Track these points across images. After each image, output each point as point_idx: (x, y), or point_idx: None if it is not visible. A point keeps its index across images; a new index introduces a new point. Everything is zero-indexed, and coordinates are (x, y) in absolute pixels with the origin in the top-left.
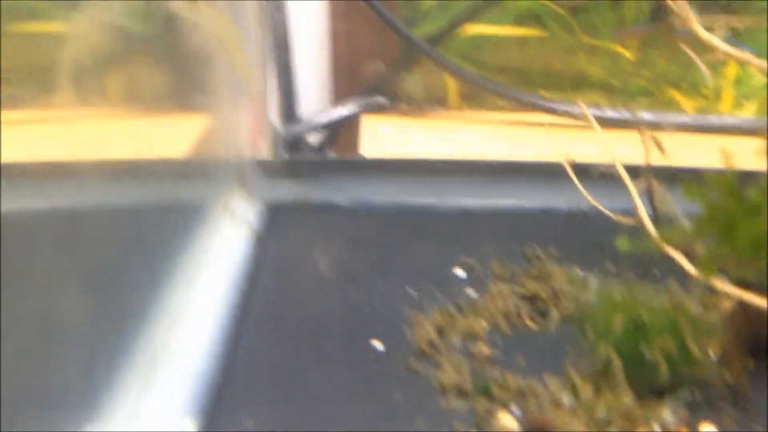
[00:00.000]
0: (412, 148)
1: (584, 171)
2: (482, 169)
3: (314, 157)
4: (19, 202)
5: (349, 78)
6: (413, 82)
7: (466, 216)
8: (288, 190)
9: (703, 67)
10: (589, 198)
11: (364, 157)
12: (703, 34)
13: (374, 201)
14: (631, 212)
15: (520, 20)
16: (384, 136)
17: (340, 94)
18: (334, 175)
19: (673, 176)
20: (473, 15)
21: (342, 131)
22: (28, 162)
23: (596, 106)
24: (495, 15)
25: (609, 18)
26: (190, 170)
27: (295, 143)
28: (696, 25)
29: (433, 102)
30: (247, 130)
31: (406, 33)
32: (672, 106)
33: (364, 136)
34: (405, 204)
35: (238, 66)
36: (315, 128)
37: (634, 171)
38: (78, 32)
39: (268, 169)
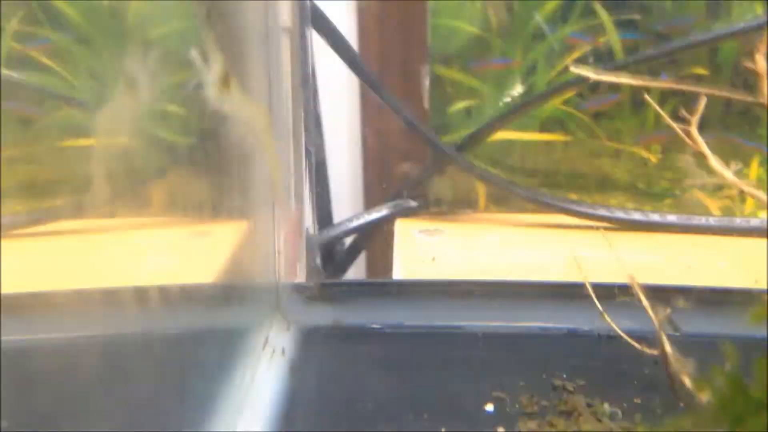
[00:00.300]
0: (442, 253)
1: (608, 291)
2: (509, 291)
3: (347, 262)
4: (43, 332)
5: (380, 179)
6: (443, 186)
7: (494, 339)
8: (321, 314)
9: (726, 173)
10: (612, 325)
11: (395, 280)
12: (716, 167)
13: (405, 324)
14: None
15: (545, 126)
16: (415, 241)
17: (371, 196)
18: (366, 298)
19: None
20: (500, 123)
21: (375, 235)
22: (58, 291)
23: (623, 209)
24: (521, 121)
25: (631, 123)
26: (227, 295)
27: (329, 249)
28: (711, 159)
29: (463, 204)
30: (282, 240)
31: (434, 140)
32: (697, 206)
33: (396, 240)
34: (434, 327)
35: (268, 160)
36: (349, 233)
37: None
38: (108, 143)
39: (302, 292)
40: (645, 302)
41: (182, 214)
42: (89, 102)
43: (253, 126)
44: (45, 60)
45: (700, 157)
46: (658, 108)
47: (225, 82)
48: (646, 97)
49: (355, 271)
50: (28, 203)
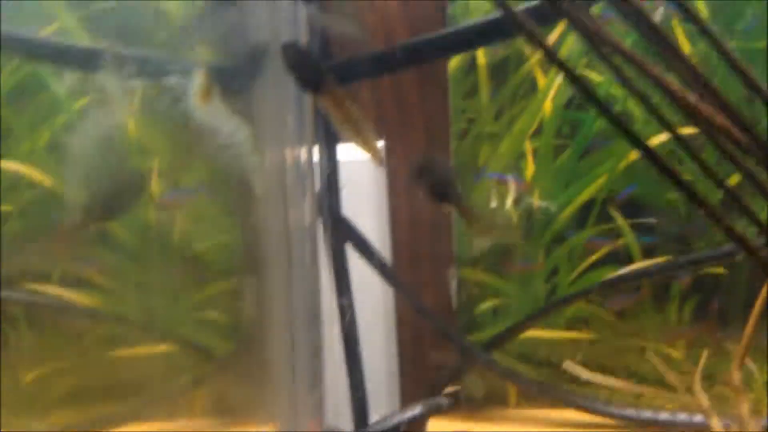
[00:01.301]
0: None
1: None
2: None
3: None
4: None
5: (415, 370)
6: (474, 383)
7: None
8: None
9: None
10: None
11: None
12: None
13: None
14: None
15: (570, 324)
16: None
17: (405, 389)
18: None
19: None
20: (526, 325)
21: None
22: None
23: (650, 409)
24: (547, 320)
25: (654, 320)
26: None
27: None
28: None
29: (494, 400)
30: None
31: (462, 341)
32: (725, 401)
33: None
34: None
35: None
36: None
37: None
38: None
39: None
40: None
41: (219, 417)
42: (133, 316)
43: (235, 138)
44: (97, 278)
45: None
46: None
47: (206, 92)
48: None
49: None
50: (79, 412)
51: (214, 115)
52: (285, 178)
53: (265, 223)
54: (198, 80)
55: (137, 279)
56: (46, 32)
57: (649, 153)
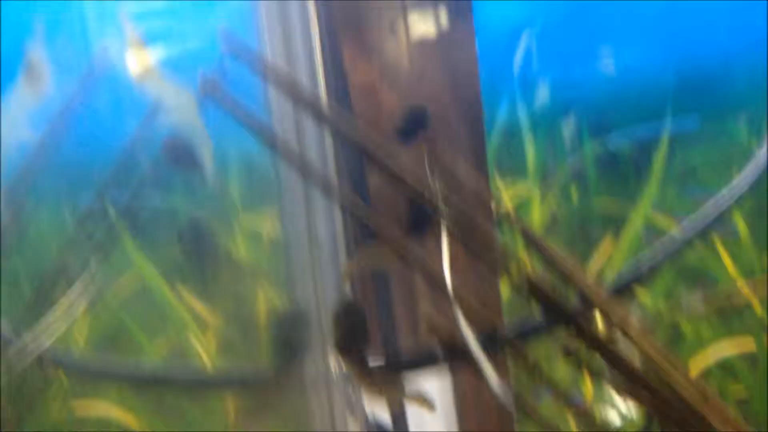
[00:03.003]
0: None
1: None
2: None
3: None
4: None
5: None
6: None
7: None
8: None
9: None
10: None
11: None
12: None
13: None
14: None
15: None
16: None
17: None
18: None
19: None
20: None
21: None
22: None
23: None
24: None
25: None
26: None
27: None
28: None
29: None
30: None
31: None
32: None
33: None
34: None
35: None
36: None
37: None
38: None
39: None
40: None
41: None
42: None
43: (179, 102)
44: None
45: None
46: None
47: (143, 57)
48: None
49: None
50: None
51: (155, 83)
52: None
53: None
54: (132, 44)
55: None
56: (124, 278)
57: None
